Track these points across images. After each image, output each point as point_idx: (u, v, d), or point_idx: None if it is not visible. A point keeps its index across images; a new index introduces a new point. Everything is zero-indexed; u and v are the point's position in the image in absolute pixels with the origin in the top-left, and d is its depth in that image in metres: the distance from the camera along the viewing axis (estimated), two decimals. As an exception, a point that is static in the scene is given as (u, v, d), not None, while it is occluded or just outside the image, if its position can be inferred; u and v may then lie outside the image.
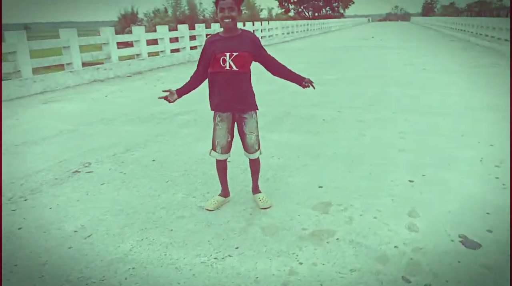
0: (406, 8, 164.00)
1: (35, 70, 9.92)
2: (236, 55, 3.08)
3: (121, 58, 12.73)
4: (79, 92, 9.62)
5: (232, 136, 3.35)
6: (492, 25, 20.94)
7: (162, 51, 14.94)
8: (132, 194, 3.78)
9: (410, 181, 3.97)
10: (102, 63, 12.24)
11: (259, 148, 3.41)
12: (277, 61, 3.39)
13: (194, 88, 3.31)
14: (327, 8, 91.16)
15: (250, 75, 3.26)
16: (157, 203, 3.58)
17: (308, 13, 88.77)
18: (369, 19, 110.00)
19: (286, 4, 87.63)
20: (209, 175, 4.16)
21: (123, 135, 5.77)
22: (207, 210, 3.40)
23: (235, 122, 3.31)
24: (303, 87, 3.50)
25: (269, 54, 3.32)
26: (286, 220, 3.26)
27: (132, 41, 13.81)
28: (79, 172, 4.40)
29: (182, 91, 3.25)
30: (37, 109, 7.91)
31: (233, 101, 3.18)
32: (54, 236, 3.05)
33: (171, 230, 3.13)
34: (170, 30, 15.71)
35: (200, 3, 37.57)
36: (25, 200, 3.71)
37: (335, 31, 47.02)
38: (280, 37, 28.98)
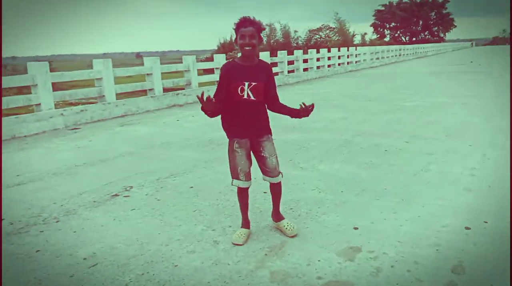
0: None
1: (118, 95, 10.64)
2: (254, 85, 3.06)
3: (200, 85, 13.20)
4: (155, 117, 10.08)
5: (251, 163, 3.26)
6: None
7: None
8: (155, 222, 3.69)
9: (467, 228, 3.34)
10: (183, 88, 12.79)
11: (280, 171, 3.32)
12: (278, 100, 3.35)
13: (216, 114, 3.14)
14: (426, 33, 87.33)
15: (265, 105, 3.25)
16: (174, 234, 3.43)
17: (405, 38, 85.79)
18: (472, 44, 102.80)
19: (381, 30, 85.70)
20: (237, 207, 3.93)
21: (174, 160, 5.80)
22: (237, 244, 3.20)
23: (251, 150, 3.25)
24: (300, 117, 3.36)
25: (275, 91, 3.27)
26: (303, 265, 2.89)
27: (213, 68, 14.30)
28: (118, 195, 4.45)
29: (216, 105, 3.05)
30: (112, 131, 8.38)
31: (250, 128, 3.17)
32: (63, 262, 3.03)
33: (176, 265, 2.94)
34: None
35: (295, 31, 38.18)
36: (57, 221, 3.81)
37: (431, 56, 44.54)
38: (368, 63, 28.14)
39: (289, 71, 18.27)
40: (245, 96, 3.05)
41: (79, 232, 3.55)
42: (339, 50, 23.92)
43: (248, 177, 3.23)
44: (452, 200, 3.94)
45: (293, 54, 19.28)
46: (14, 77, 8.75)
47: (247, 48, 2.99)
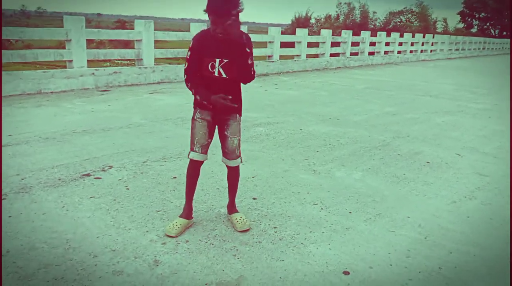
0: None
1: (157, 60, 10.12)
2: (226, 63, 2.75)
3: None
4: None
5: (211, 138, 2.99)
6: None
7: (297, 55, 14.22)
8: (104, 220, 3.02)
9: (504, 302, 2.33)
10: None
11: (240, 155, 3.05)
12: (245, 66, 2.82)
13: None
14: (519, 27, 79.39)
15: (239, 82, 2.89)
16: (114, 242, 2.74)
17: (494, 31, 78.78)
18: None
19: (469, 19, 79.19)
20: (215, 220, 3.16)
21: (177, 140, 5.12)
22: (168, 236, 2.84)
23: (216, 126, 2.98)
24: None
25: (248, 66, 2.80)
26: (248, 321, 2.08)
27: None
28: (89, 175, 3.85)
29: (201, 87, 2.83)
30: (138, 98, 7.88)
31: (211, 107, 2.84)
32: (-37, 258, 2.46)
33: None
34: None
35: (374, 12, 36.02)
36: (3, 199, 3.27)
37: (521, 53, 40.11)
38: (446, 53, 25.70)
39: (351, 53, 16.88)
40: (216, 74, 2.77)
41: (13, 219, 2.97)
42: (413, 36, 21.89)
43: (204, 150, 2.95)
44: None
45: (359, 35, 17.79)
46: (47, 30, 8.45)
47: (219, 35, 2.65)
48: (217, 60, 2.73)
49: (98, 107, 6.85)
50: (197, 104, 2.93)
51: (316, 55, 15.30)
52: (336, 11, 37.13)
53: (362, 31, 18.63)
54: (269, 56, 13.16)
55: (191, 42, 2.79)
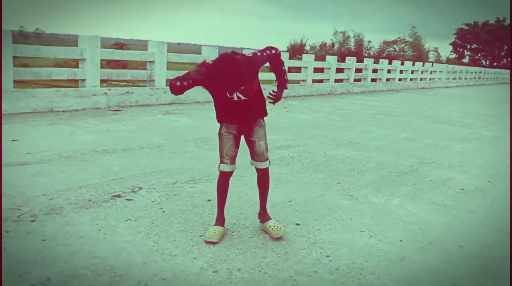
0: None
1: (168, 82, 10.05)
2: (243, 89, 2.79)
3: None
4: (203, 109, 9.36)
5: (238, 149, 3.10)
6: None
7: (303, 80, 14.25)
8: (146, 245, 2.83)
9: None
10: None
11: (268, 158, 3.14)
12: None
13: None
14: (509, 59, 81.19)
15: (260, 91, 2.99)
16: (162, 269, 2.55)
17: (486, 62, 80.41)
18: None
19: (460, 50, 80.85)
20: (251, 239, 2.99)
21: (203, 161, 4.97)
22: (210, 242, 2.90)
23: (241, 135, 3.08)
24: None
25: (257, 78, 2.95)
26: None
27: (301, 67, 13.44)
28: (120, 196, 3.67)
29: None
30: (152, 119, 7.75)
31: (241, 116, 2.99)
32: None
33: (144, 322, 2.05)
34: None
35: (369, 41, 36.67)
36: (32, 220, 3.07)
37: (515, 83, 40.80)
38: (444, 82, 26.02)
39: (355, 80, 16.98)
40: (235, 98, 2.84)
41: (48, 242, 2.77)
42: (413, 64, 22.16)
43: (232, 160, 3.07)
44: (562, 284, 2.73)
45: (363, 62, 17.96)
46: (63, 49, 8.36)
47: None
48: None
49: (113, 126, 6.70)
50: (221, 120, 3.02)
51: (321, 81, 15.36)
52: (331, 39, 37.62)
53: (365, 58, 18.83)
54: (275, 81, 13.15)
55: (203, 66, 2.66)
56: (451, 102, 15.75)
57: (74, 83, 8.63)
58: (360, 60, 18.06)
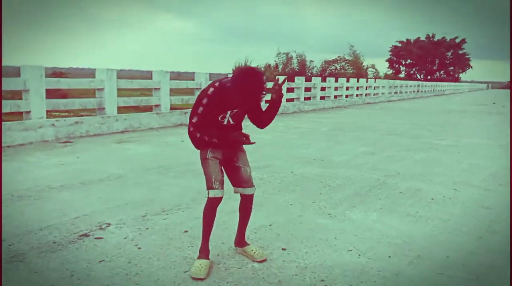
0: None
1: (120, 109, 9.68)
2: (236, 112, 2.88)
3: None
4: (158, 135, 9.07)
5: (223, 174, 2.99)
6: None
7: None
8: (127, 287, 2.57)
9: None
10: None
11: (253, 184, 3.07)
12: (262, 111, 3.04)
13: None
14: (442, 72, 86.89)
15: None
16: (151, 312, 2.31)
17: (420, 76, 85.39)
18: (488, 86, 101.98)
19: (396, 66, 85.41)
20: (238, 270, 2.81)
21: (169, 190, 4.73)
22: (198, 279, 2.70)
23: (223, 163, 3.00)
24: (278, 102, 2.97)
25: (260, 109, 3.00)
26: None
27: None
28: (87, 235, 3.36)
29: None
30: (106, 149, 7.37)
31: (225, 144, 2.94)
32: None
33: None
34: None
35: (311, 61, 37.79)
36: (-9, 271, 2.71)
37: (449, 94, 43.57)
38: (386, 96, 27.20)
39: (305, 98, 17.30)
40: (225, 123, 2.88)
41: (14, 295, 2.45)
42: (358, 81, 23.02)
43: (222, 186, 2.92)
44: (550, 286, 2.78)
45: (311, 81, 18.38)
46: (4, 80, 7.80)
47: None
48: (228, 112, 2.83)
49: (66, 159, 6.28)
50: (207, 145, 2.91)
51: (292, 100, 15.49)
52: (275, 61, 38.32)
53: (313, 77, 19.31)
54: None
55: (213, 92, 2.76)
56: (397, 115, 16.40)
57: (18, 116, 8.06)
58: (307, 79, 18.47)
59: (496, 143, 9.18)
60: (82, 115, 9.70)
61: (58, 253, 3.03)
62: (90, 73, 9.56)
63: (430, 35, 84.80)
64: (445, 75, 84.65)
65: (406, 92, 31.75)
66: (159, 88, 10.53)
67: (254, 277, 2.75)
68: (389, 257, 3.12)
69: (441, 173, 5.99)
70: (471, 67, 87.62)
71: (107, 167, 5.85)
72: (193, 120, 2.82)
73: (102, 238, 3.32)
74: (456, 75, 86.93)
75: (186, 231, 3.50)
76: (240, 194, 3.04)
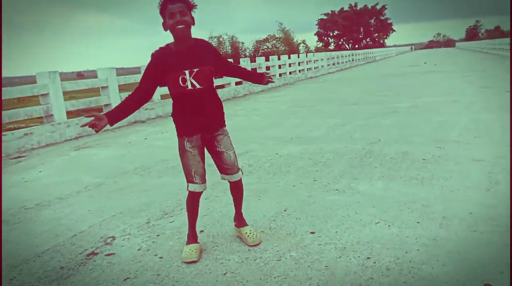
0: (449, 35, 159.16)
1: (70, 114, 8.99)
2: (197, 71, 2.62)
3: (164, 97, 11.74)
4: (117, 136, 8.52)
5: (204, 163, 2.84)
6: None
7: (205, 88, 13.90)
8: (171, 302, 2.32)
9: None
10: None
11: (239, 167, 2.93)
12: (235, 65, 3.10)
13: (131, 112, 2.71)
14: (367, 39, 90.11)
15: (215, 90, 2.82)
16: (212, 325, 2.09)
17: (348, 45, 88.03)
18: (412, 48, 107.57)
19: (325, 38, 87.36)
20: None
21: (161, 190, 4.42)
22: (190, 262, 2.73)
23: (204, 146, 2.84)
24: (265, 84, 3.11)
25: (228, 61, 2.97)
26: None
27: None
28: (96, 253, 3.03)
29: (114, 117, 2.63)
30: (67, 158, 6.79)
31: (201, 122, 2.73)
32: None
33: None
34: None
35: (243, 43, 37.63)
36: (5, 314, 2.35)
37: (380, 60, 45.32)
38: (326, 69, 27.70)
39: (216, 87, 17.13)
40: (189, 87, 2.61)
41: (46, 336, 2.12)
42: (298, 57, 23.20)
43: (203, 179, 2.82)
44: None
45: (255, 61, 18.23)
46: None
47: (179, 26, 2.54)
48: (187, 72, 2.58)
49: (28, 176, 5.70)
50: (183, 133, 2.75)
51: (222, 86, 15.19)
52: None
53: (257, 57, 19.16)
54: (180, 93, 12.63)
55: (150, 60, 2.64)
56: (345, 85, 16.73)
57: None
58: (251, 60, 18.30)
59: (450, 99, 9.58)
60: (31, 126, 8.88)
61: (72, 278, 2.69)
62: (31, 80, 8.74)
63: (353, 5, 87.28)
64: (371, 42, 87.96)
65: (343, 62, 32.56)
66: (107, 87, 9.90)
67: (299, 266, 2.60)
68: (418, 222, 3.10)
69: (417, 134, 6.13)
70: (394, 31, 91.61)
71: (78, 176, 5.38)
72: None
73: (113, 253, 3.01)
74: (381, 41, 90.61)
75: (202, 231, 3.26)
76: (228, 181, 2.92)
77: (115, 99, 9.94)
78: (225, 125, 2.88)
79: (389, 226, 3.08)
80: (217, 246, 2.98)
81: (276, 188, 4.19)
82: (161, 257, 2.89)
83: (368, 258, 2.63)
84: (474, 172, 4.17)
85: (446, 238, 2.82)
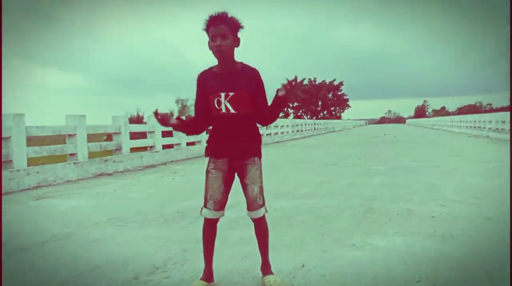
0: (399, 112, 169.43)
1: (31, 161, 8.20)
2: (232, 96, 2.56)
3: (132, 150, 11.14)
4: (81, 188, 7.76)
5: (228, 191, 2.69)
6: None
7: (177, 144, 13.44)
8: None
9: None
10: (111, 154, 10.60)
11: (263, 204, 2.71)
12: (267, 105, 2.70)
13: (193, 129, 2.72)
14: (325, 112, 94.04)
15: (253, 118, 2.66)
16: None
17: (306, 117, 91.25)
18: (366, 122, 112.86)
19: (285, 109, 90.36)
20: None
21: (143, 243, 3.80)
22: None
23: (233, 176, 2.69)
24: (284, 98, 2.58)
25: (265, 99, 2.68)
26: None
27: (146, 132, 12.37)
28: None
29: (182, 121, 2.63)
30: (25, 207, 5.99)
31: (230, 146, 2.61)
32: None
33: None
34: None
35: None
36: None
37: (340, 131, 46.81)
38: (291, 135, 28.07)
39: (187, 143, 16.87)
40: (223, 110, 2.57)
41: None
42: (265, 121, 23.40)
43: (217, 206, 2.64)
44: None
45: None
46: None
47: (218, 52, 2.50)
48: (223, 95, 2.53)
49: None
50: (209, 153, 2.67)
51: (193, 143, 14.78)
52: (169, 110, 37.11)
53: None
54: (150, 147, 12.08)
55: (197, 81, 2.67)
56: (314, 149, 16.76)
57: None
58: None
59: (429, 164, 9.56)
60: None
61: None
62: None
63: (312, 79, 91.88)
64: (328, 115, 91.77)
65: (306, 130, 33.27)
66: (75, 135, 9.23)
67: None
68: (465, 281, 2.69)
69: (412, 192, 5.89)
70: (350, 106, 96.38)
71: (44, 225, 4.65)
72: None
73: (167, 277, 2.36)
74: (338, 115, 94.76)
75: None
76: (251, 219, 2.73)
77: (82, 148, 9.25)
78: (260, 156, 2.69)
79: (434, 284, 2.65)
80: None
81: (283, 243, 3.69)
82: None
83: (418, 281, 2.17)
84: (486, 228, 3.89)
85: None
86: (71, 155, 9.17)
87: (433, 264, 3.02)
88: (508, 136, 19.12)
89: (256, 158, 2.68)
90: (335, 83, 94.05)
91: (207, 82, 2.61)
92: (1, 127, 7.50)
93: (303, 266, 3.05)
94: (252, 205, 2.66)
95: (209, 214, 2.63)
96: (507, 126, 20.51)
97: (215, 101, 2.57)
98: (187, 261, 3.27)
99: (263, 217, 2.71)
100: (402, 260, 3.12)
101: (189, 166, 11.01)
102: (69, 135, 9.20)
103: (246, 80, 2.58)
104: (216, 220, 2.69)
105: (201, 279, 2.70)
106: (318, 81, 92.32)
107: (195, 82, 2.68)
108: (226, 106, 2.55)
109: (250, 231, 4.04)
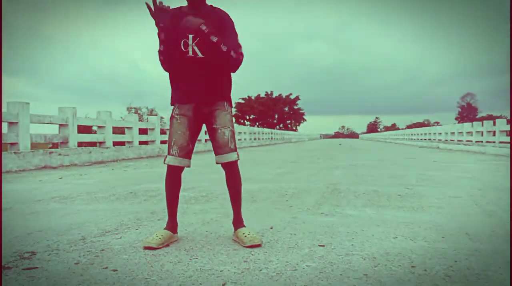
0: (352, 127, 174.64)
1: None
2: (200, 39, 2.36)
3: (79, 144, 10.47)
4: (22, 177, 7.10)
5: (195, 139, 2.49)
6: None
7: (129, 142, 12.84)
8: None
9: None
10: (57, 146, 9.90)
11: (235, 149, 2.48)
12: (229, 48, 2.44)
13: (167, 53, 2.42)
14: (281, 125, 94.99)
15: (222, 62, 2.41)
16: None
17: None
18: (321, 136, 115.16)
19: (242, 121, 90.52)
20: None
21: (93, 214, 3.39)
22: (149, 248, 2.29)
23: (201, 123, 2.51)
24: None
25: (233, 40, 2.40)
26: None
27: (95, 128, 11.73)
28: (9, 268, 1.97)
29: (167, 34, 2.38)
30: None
31: (196, 90, 2.41)
32: None
33: None
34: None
35: (162, 117, 37.00)
36: None
37: (296, 142, 47.27)
38: (248, 142, 27.91)
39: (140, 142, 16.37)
40: (190, 53, 2.38)
41: None
42: (223, 126, 23.09)
43: (182, 152, 2.43)
44: None
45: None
46: None
47: None
48: (190, 37, 2.35)
49: None
50: (174, 100, 2.47)
51: (146, 142, 14.21)
52: (121, 117, 36.32)
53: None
54: (100, 143, 11.44)
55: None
56: (273, 153, 16.63)
57: None
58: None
59: (388, 163, 9.63)
60: None
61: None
62: None
63: (269, 93, 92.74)
64: (284, 128, 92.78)
65: (263, 139, 33.26)
66: (17, 123, 8.52)
67: (328, 276, 1.84)
68: (443, 237, 2.53)
69: (376, 180, 5.80)
70: (305, 120, 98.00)
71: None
72: (159, 49, 2.41)
73: (36, 267, 1.97)
74: (294, 128, 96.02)
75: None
76: (221, 165, 2.47)
77: (24, 137, 8.55)
78: (230, 102, 2.50)
79: (411, 239, 2.46)
80: (210, 250, 2.11)
81: (248, 212, 3.41)
82: (115, 270, 1.93)
83: (413, 266, 1.96)
84: (461, 203, 3.80)
85: (484, 250, 2.27)
86: (12, 144, 8.45)
87: (408, 227, 2.84)
88: (454, 147, 19.97)
89: (225, 102, 2.48)
90: (292, 97, 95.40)
91: (175, 21, 2.39)
92: None
93: (271, 228, 2.78)
94: (222, 149, 2.42)
95: (173, 160, 2.42)
96: (456, 137, 21.46)
97: (182, 43, 2.38)
98: (142, 226, 2.91)
99: (236, 163, 2.48)
100: (375, 223, 2.92)
101: (142, 163, 10.49)
102: (10, 123, 8.48)
103: (216, 23, 2.38)
104: (181, 169, 2.47)
105: (166, 228, 2.48)
106: (275, 94, 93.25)
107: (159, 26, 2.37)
108: (193, 49, 2.37)
109: (212, 204, 3.77)
